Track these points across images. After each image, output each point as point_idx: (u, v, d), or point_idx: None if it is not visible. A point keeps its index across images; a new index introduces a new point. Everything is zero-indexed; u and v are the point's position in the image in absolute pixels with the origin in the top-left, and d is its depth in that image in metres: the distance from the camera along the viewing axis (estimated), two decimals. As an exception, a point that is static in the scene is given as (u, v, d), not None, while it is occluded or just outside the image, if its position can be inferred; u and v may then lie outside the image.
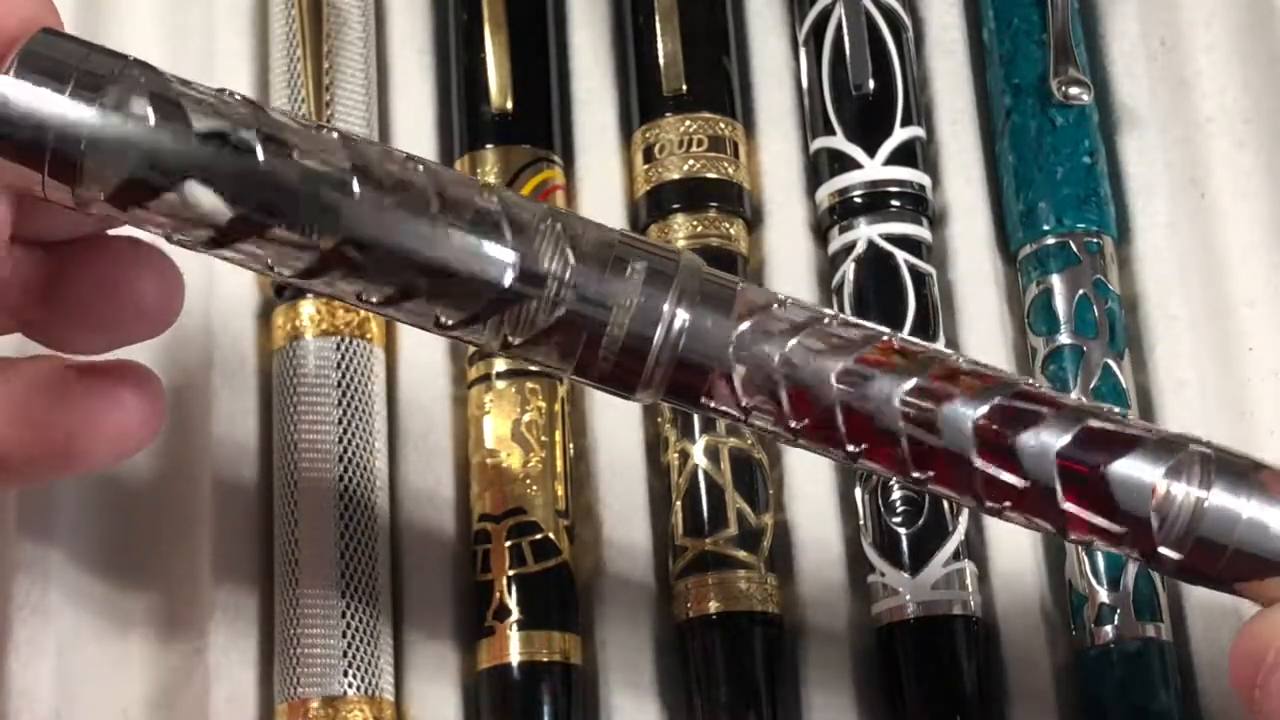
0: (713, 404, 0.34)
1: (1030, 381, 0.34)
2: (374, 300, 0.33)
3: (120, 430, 0.38)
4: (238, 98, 0.33)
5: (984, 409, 0.33)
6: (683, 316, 0.33)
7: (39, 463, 0.38)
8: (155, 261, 0.38)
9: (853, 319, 0.34)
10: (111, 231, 0.37)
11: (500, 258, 0.33)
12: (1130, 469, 0.33)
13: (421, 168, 0.33)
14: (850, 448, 0.34)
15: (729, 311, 0.34)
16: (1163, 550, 0.33)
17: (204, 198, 0.32)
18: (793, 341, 0.33)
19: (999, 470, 0.33)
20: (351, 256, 0.32)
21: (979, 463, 0.33)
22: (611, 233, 0.34)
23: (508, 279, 0.33)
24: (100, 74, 0.32)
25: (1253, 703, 0.33)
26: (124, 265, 0.37)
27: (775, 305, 0.34)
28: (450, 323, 0.33)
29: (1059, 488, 0.33)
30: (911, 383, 0.33)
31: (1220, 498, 0.33)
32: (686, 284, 0.33)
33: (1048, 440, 0.33)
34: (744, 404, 0.34)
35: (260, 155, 0.32)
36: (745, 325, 0.34)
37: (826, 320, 0.34)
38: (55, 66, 0.32)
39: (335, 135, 0.33)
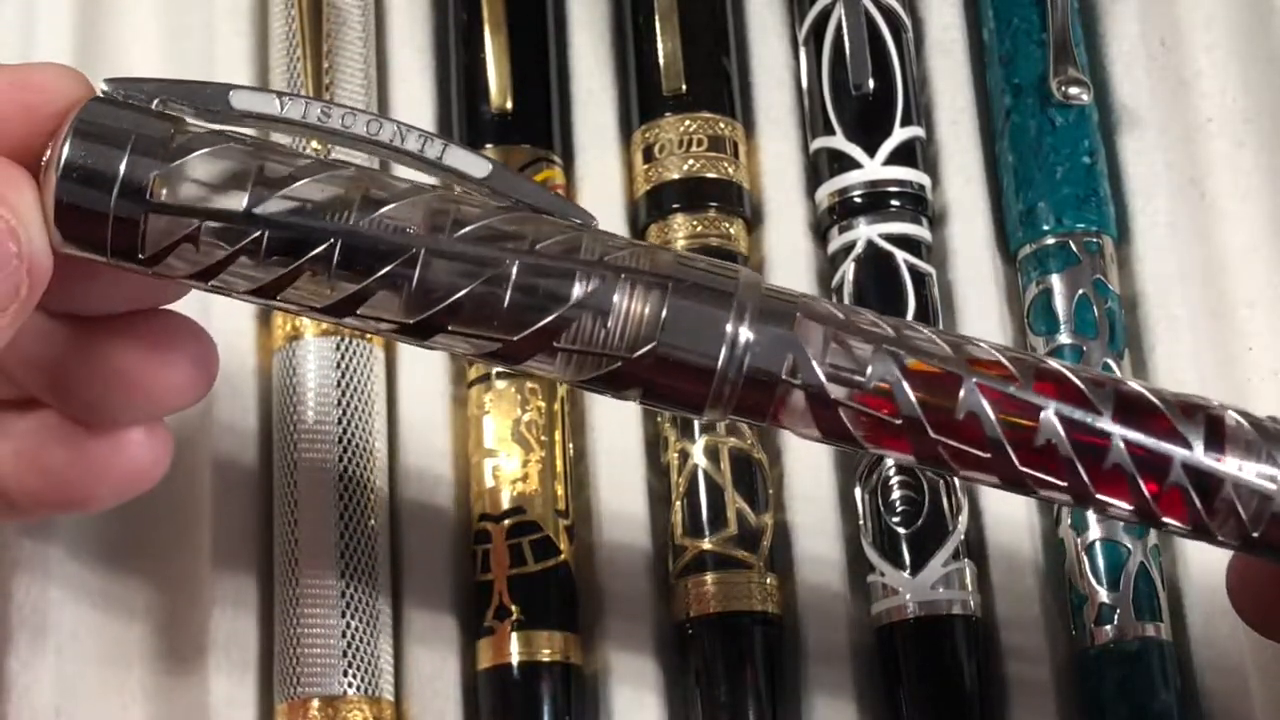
0: (782, 421, 0.34)
1: (1116, 378, 0.34)
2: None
3: (129, 475, 0.38)
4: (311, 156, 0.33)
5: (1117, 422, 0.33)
6: (746, 335, 0.33)
7: (47, 506, 0.38)
8: (193, 338, 0.37)
9: (918, 325, 0.34)
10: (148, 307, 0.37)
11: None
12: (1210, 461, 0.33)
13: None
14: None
15: (791, 326, 0.33)
16: (1254, 534, 0.33)
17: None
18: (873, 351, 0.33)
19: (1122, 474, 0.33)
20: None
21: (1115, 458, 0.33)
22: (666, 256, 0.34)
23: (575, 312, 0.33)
24: (156, 136, 0.32)
25: None
26: (161, 341, 0.37)
27: (841, 316, 0.34)
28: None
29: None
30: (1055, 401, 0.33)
31: None
32: (747, 299, 0.33)
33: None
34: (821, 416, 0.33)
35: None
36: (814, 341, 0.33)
37: (902, 331, 0.34)
38: (112, 132, 0.32)
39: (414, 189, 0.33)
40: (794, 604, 0.45)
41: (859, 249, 0.47)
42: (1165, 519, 0.33)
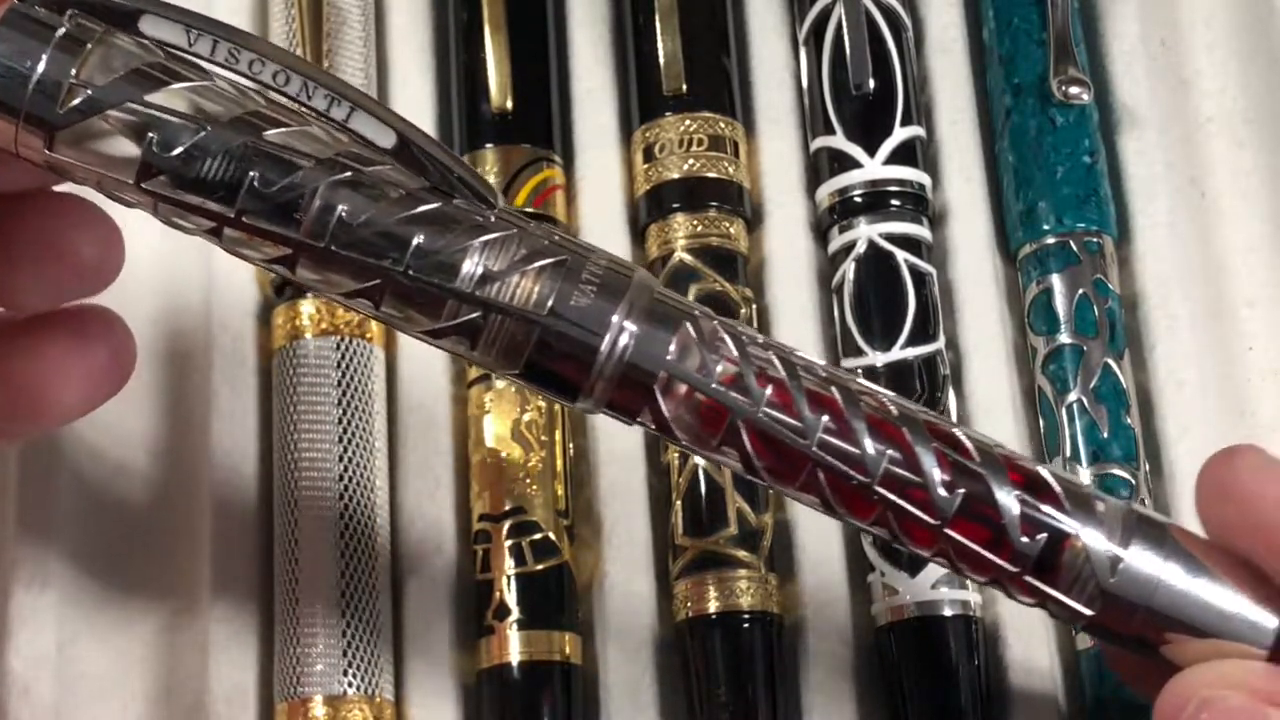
0: (650, 422, 0.34)
1: (942, 419, 0.35)
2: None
3: (90, 374, 0.37)
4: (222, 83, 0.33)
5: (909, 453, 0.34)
6: (630, 329, 0.33)
7: (13, 418, 0.37)
8: (94, 218, 0.37)
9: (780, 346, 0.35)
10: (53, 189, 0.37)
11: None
12: (1049, 518, 0.34)
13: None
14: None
15: (673, 332, 0.34)
16: (1074, 605, 0.34)
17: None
18: (724, 367, 0.34)
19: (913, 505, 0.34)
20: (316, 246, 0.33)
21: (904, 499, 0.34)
22: (569, 243, 0.34)
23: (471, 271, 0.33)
24: (82, 38, 0.33)
25: None
26: (62, 221, 0.36)
27: (721, 333, 0.34)
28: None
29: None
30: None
31: (1138, 557, 0.34)
32: (637, 299, 0.34)
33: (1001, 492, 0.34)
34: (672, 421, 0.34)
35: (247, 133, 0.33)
36: (686, 349, 0.34)
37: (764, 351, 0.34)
38: (38, 28, 0.33)
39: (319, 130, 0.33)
40: (794, 604, 0.45)
41: (859, 249, 0.47)
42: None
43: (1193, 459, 0.45)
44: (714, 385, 0.34)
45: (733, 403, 0.34)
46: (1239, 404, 0.47)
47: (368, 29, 0.49)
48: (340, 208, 0.33)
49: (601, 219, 0.48)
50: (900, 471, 0.34)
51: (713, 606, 0.44)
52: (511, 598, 0.44)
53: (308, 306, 0.46)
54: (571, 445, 0.46)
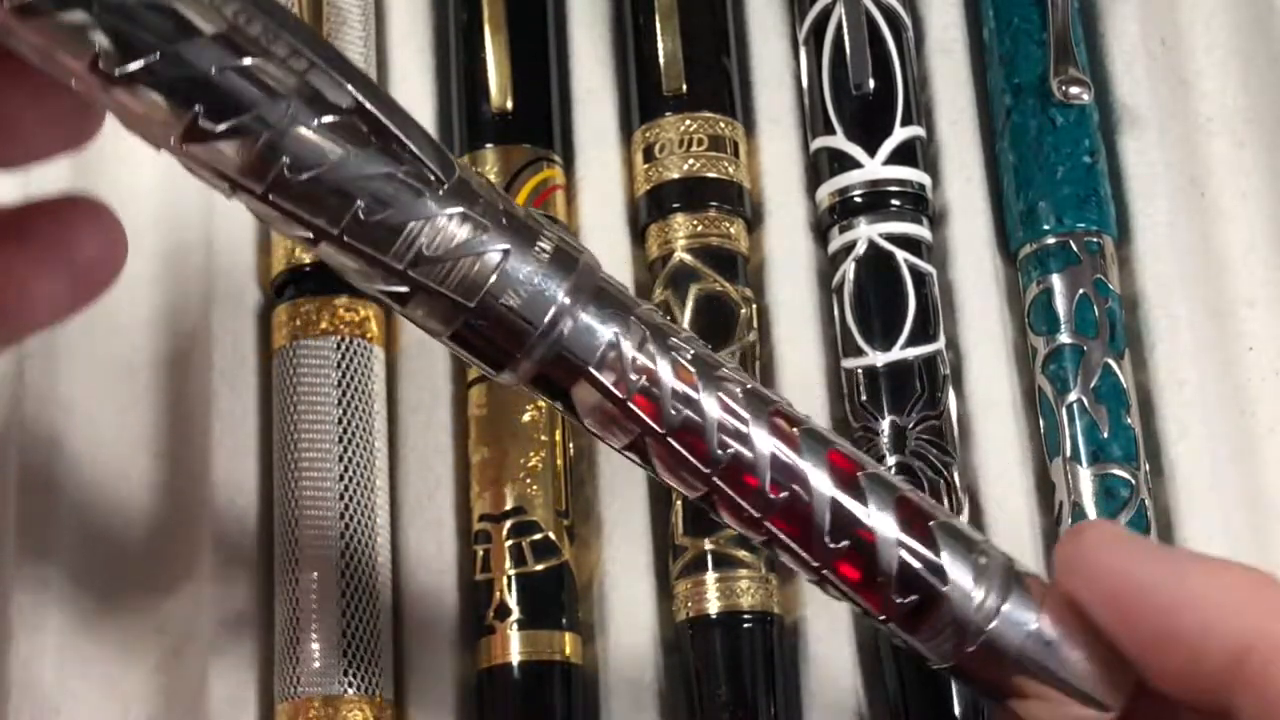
0: (571, 404, 0.34)
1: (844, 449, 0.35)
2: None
3: (78, 268, 0.35)
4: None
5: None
6: (575, 311, 0.33)
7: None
8: (100, 216, 0.35)
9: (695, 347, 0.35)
10: (55, 195, 0.36)
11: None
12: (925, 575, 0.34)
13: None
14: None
15: (619, 320, 0.34)
16: (930, 654, 0.34)
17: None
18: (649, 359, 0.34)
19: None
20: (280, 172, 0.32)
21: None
22: (530, 213, 0.34)
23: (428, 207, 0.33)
24: None
25: None
26: (67, 221, 0.35)
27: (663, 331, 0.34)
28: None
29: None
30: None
31: (1007, 619, 0.34)
32: (583, 280, 0.33)
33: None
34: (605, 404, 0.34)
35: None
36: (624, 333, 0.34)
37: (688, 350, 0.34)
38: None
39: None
40: (794, 604, 0.45)
41: (859, 249, 0.47)
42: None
43: (1193, 459, 0.45)
44: (634, 395, 0.34)
45: (644, 421, 0.34)
46: (1239, 404, 0.47)
47: (368, 29, 0.49)
48: (284, 158, 0.32)
49: (601, 219, 0.48)
50: (796, 505, 0.34)
51: (713, 606, 0.44)
52: (511, 598, 0.44)
53: (308, 306, 0.46)
54: (571, 445, 0.46)
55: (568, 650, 0.44)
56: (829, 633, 0.44)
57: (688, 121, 0.48)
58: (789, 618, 0.45)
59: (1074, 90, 0.47)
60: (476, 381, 0.46)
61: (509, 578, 0.44)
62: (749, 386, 0.34)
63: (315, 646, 0.43)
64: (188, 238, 0.48)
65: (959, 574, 0.34)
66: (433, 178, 0.33)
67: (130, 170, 0.48)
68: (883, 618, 0.34)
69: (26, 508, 0.45)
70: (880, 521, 0.34)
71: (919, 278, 0.46)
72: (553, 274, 0.33)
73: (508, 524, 0.45)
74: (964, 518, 0.44)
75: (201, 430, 0.46)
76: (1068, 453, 0.45)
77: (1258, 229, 0.48)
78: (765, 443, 0.34)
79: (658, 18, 0.48)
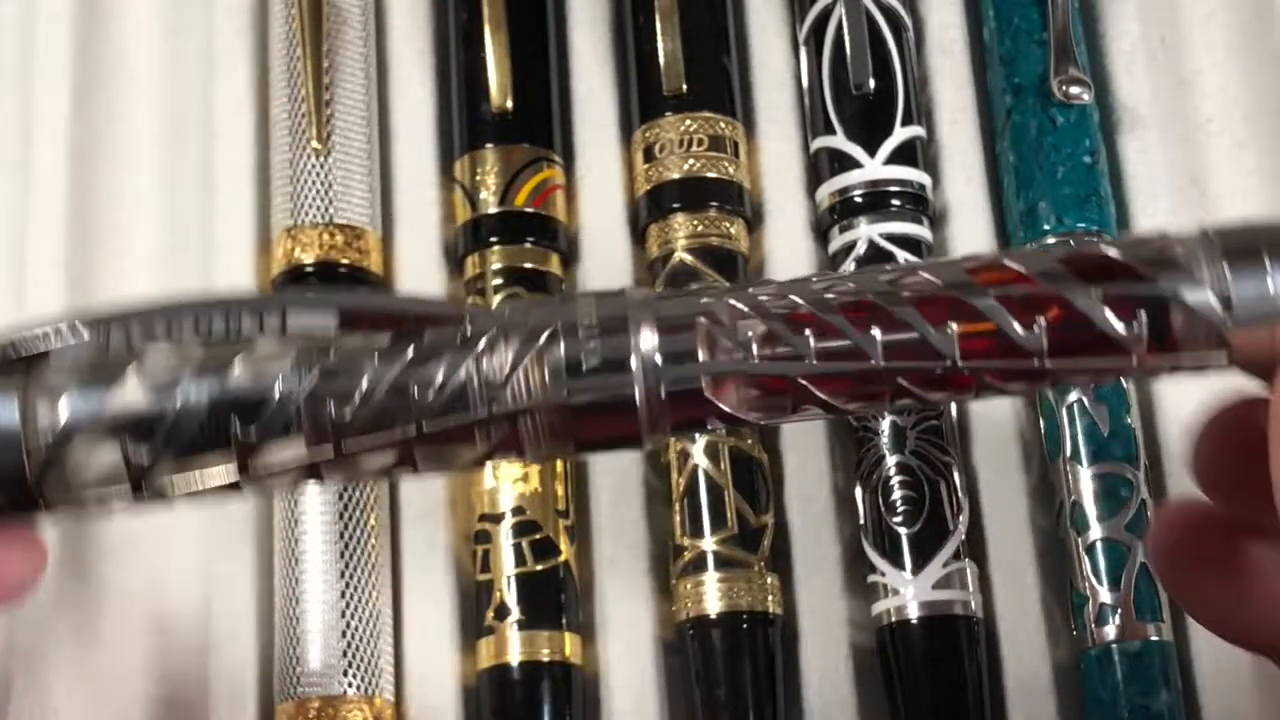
0: (720, 423, 0.32)
1: (981, 264, 0.33)
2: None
3: None
4: None
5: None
6: (654, 355, 0.31)
7: None
8: (22, 539, 0.34)
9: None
10: None
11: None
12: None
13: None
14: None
15: (693, 328, 0.32)
16: (1204, 359, 0.33)
17: None
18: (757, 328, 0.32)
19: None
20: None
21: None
22: (550, 304, 0.33)
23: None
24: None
25: None
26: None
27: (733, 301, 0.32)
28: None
29: None
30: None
31: (1241, 285, 0.32)
32: (642, 321, 0.32)
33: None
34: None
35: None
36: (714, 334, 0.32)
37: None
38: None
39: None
40: (794, 604, 0.45)
41: (860, 249, 0.47)
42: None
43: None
44: (755, 360, 0.32)
45: (783, 367, 0.32)
46: (1239, 404, 0.47)
47: (368, 29, 0.49)
48: (329, 406, 0.31)
49: (601, 219, 0.48)
50: (974, 334, 0.32)
51: (713, 607, 0.44)
52: (511, 598, 0.44)
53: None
54: (571, 445, 0.46)
55: (568, 650, 0.44)
56: (829, 633, 0.44)
57: (688, 121, 0.48)
58: (789, 618, 0.45)
59: (1074, 90, 0.47)
60: (476, 381, 0.46)
61: (509, 578, 0.44)
62: (848, 282, 0.32)
63: (315, 647, 0.43)
64: (185, 246, 0.48)
65: (1175, 279, 0.32)
66: (453, 321, 0.32)
67: (130, 170, 0.49)
68: (1133, 358, 0.32)
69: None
70: (1076, 294, 0.32)
71: (919, 278, 0.46)
72: (612, 334, 0.31)
73: (508, 524, 0.45)
74: (963, 519, 0.44)
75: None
76: (1068, 452, 0.45)
77: (1258, 229, 0.48)
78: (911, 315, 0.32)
79: (658, 18, 0.48)
